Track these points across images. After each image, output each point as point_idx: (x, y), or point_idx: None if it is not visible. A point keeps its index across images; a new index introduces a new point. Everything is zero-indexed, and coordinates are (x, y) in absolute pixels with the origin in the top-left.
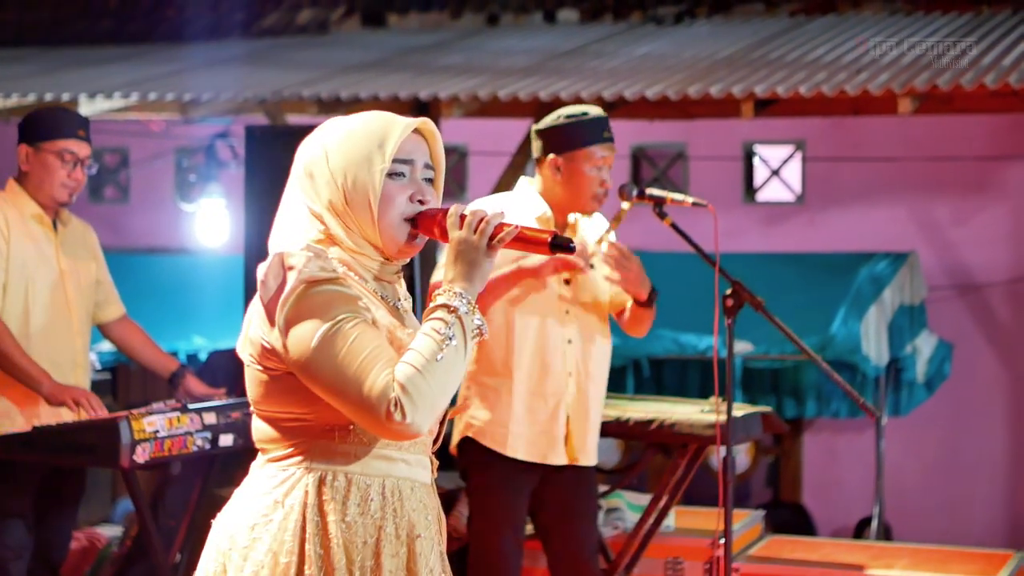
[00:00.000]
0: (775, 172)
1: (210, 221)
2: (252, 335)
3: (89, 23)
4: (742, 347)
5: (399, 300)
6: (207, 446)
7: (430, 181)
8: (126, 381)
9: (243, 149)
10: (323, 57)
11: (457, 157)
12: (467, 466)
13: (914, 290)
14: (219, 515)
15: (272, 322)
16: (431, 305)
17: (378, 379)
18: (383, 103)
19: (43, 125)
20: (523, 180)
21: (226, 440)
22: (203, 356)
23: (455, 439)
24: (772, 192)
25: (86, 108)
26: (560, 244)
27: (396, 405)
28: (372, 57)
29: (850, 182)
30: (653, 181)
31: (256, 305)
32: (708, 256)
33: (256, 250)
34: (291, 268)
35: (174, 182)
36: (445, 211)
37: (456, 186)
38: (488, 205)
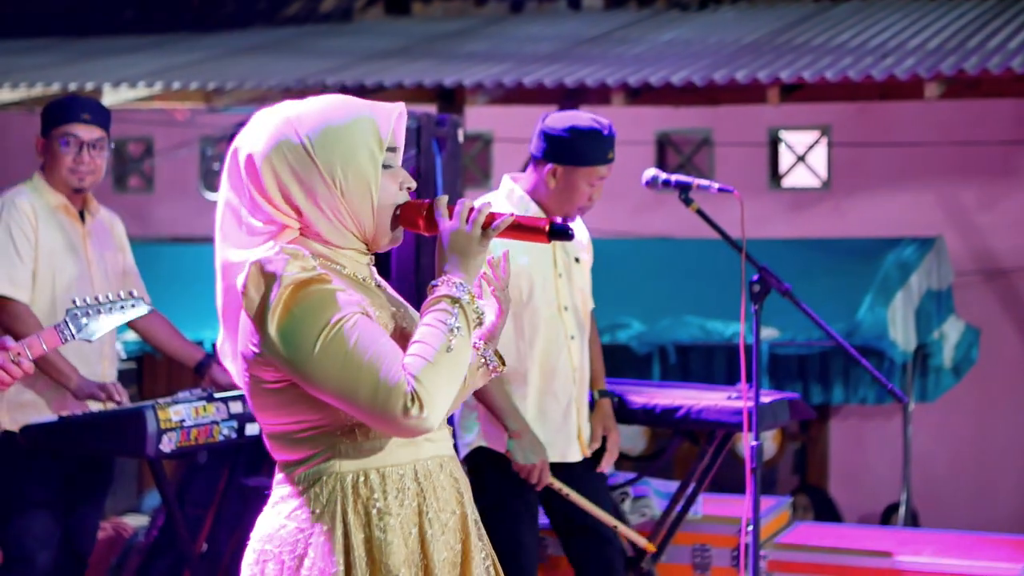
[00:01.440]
0: (801, 158)
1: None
2: (244, 351)
3: (112, 12)
4: (769, 333)
5: (374, 279)
6: (233, 435)
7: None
8: (152, 371)
9: None
10: (347, 45)
11: (482, 144)
12: (482, 473)
13: (941, 275)
14: (252, 537)
15: (262, 334)
16: (431, 297)
17: (391, 376)
18: (408, 91)
19: (51, 112)
20: (507, 179)
21: (252, 429)
22: None
23: (463, 451)
24: (798, 178)
25: (110, 97)
26: (559, 230)
27: (414, 400)
28: (396, 45)
29: (876, 167)
30: (678, 167)
31: (243, 319)
32: (734, 242)
33: None
34: (271, 275)
35: (199, 171)
36: (428, 203)
37: (481, 173)
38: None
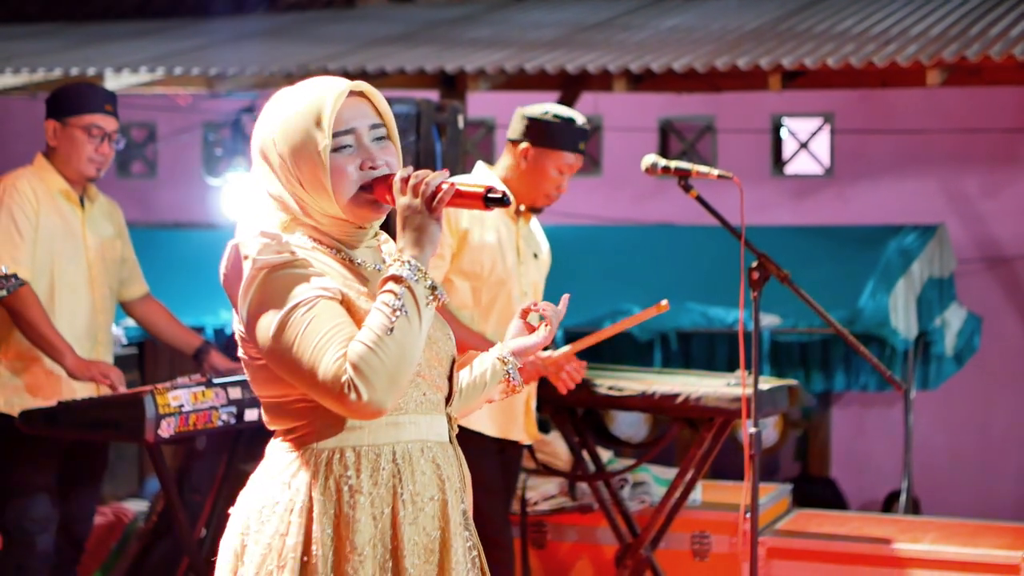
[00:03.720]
0: (804, 145)
1: (237, 195)
2: (235, 327)
3: None
4: (770, 320)
5: (380, 264)
6: (232, 421)
7: (382, 139)
8: (153, 356)
9: None
10: (349, 31)
11: (484, 131)
12: None
13: (943, 263)
14: (238, 498)
15: (239, 314)
16: (382, 277)
17: (331, 362)
18: (409, 76)
19: (70, 100)
20: (480, 164)
21: (251, 415)
22: (230, 330)
23: None
24: (801, 165)
25: (112, 83)
26: (495, 199)
27: (350, 386)
28: (398, 30)
29: (879, 155)
30: (681, 154)
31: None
32: (734, 228)
33: None
34: (246, 258)
35: (201, 156)
36: (391, 177)
37: (485, 159)
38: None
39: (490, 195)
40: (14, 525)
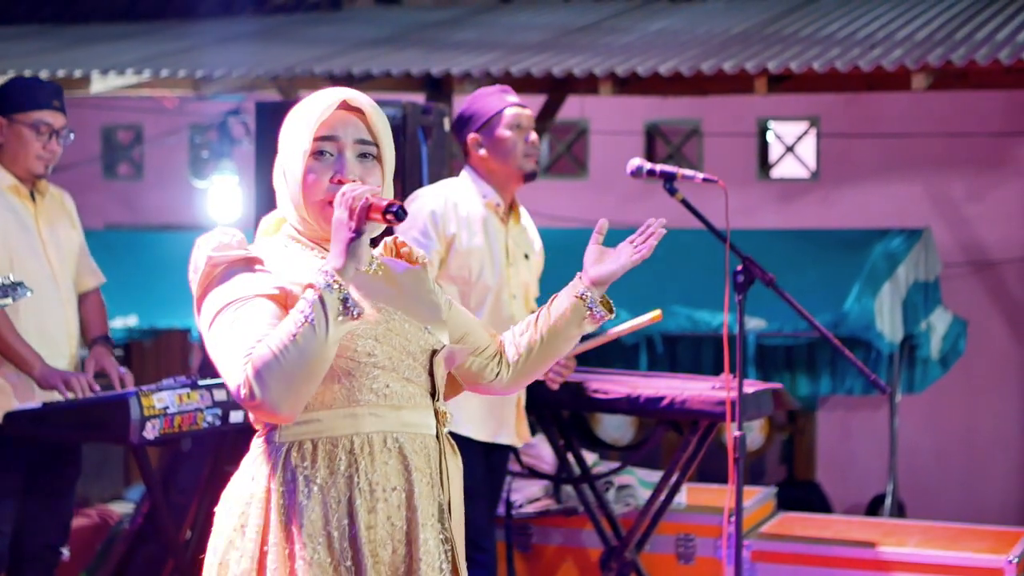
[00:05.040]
0: (790, 148)
1: (223, 197)
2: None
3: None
4: (756, 324)
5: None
6: (217, 423)
7: (367, 156)
8: (140, 358)
9: (255, 125)
10: (336, 33)
11: None
12: None
13: (929, 267)
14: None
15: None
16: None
17: (239, 360)
18: (395, 79)
19: (16, 96)
20: (465, 168)
21: (236, 416)
22: None
23: None
24: (787, 168)
25: (99, 84)
26: (393, 211)
27: (247, 386)
28: (385, 33)
29: (865, 158)
30: (667, 158)
31: None
32: (719, 232)
33: None
34: (202, 254)
35: (188, 159)
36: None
37: None
38: (430, 193)
39: (388, 210)
40: None
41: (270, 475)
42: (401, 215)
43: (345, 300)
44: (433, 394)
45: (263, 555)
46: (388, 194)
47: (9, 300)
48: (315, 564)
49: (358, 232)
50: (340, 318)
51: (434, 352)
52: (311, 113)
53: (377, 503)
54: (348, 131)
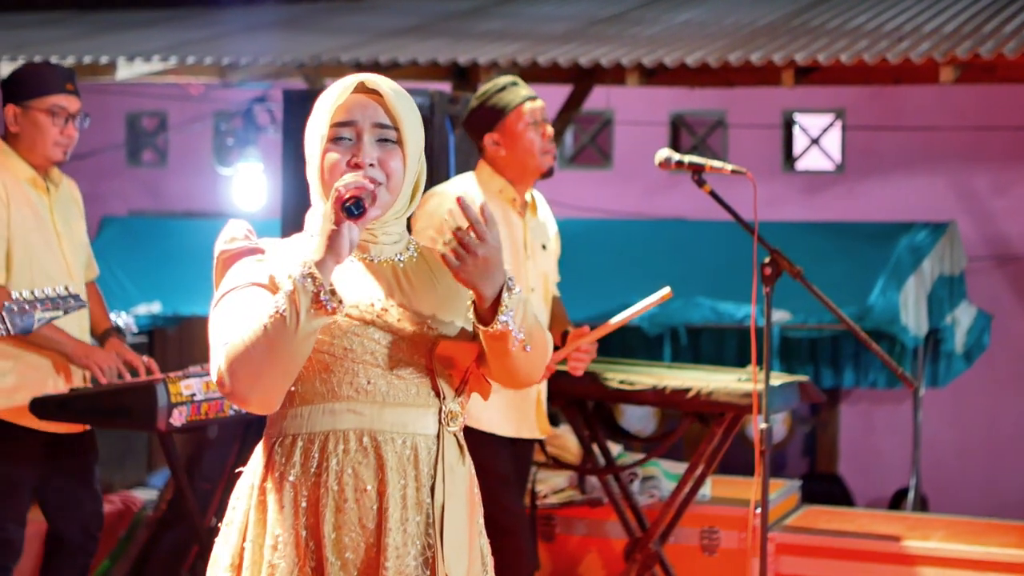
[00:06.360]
0: (815, 141)
1: (248, 185)
2: None
3: None
4: (780, 316)
5: (369, 254)
6: (243, 410)
7: (388, 142)
8: (163, 345)
9: (281, 113)
10: (362, 22)
11: None
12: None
13: (953, 260)
14: None
15: None
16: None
17: (219, 348)
18: (422, 68)
19: (30, 82)
20: (481, 162)
21: None
22: None
23: None
24: (812, 161)
25: (125, 71)
26: (345, 207)
27: (219, 373)
28: (410, 22)
29: (890, 151)
30: (692, 149)
31: None
32: (747, 224)
33: (293, 214)
34: (215, 247)
35: (212, 146)
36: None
37: None
38: (447, 190)
39: (344, 204)
40: None
41: (256, 470)
42: (353, 211)
43: (318, 293)
44: (439, 392)
45: (242, 551)
46: (411, 178)
47: (60, 313)
48: (282, 564)
49: (337, 224)
50: (312, 311)
51: (432, 347)
52: (329, 98)
53: (346, 503)
54: (366, 115)
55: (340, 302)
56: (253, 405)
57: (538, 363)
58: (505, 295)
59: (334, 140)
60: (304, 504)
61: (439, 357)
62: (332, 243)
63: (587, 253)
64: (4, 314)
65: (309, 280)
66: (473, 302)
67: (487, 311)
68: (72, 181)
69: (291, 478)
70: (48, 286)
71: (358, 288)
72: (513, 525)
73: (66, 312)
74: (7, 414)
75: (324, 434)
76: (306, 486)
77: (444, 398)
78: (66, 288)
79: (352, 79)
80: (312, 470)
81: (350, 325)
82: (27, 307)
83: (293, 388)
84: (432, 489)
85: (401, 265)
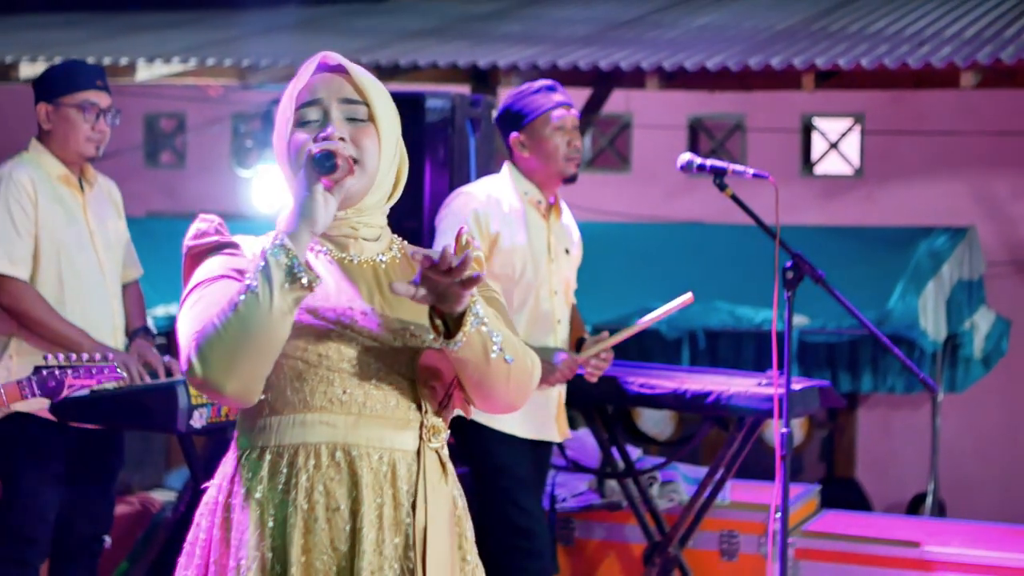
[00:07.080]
0: (834, 145)
1: (266, 187)
2: None
3: None
4: (798, 321)
5: (348, 254)
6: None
7: (358, 120)
8: None
9: None
10: (382, 24)
11: None
12: (470, 447)
13: (972, 265)
14: None
15: None
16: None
17: (188, 336)
18: (441, 71)
19: (60, 79)
20: (507, 164)
21: None
22: None
23: None
24: (830, 165)
25: (144, 73)
26: (317, 160)
27: (189, 359)
28: (430, 24)
29: (909, 156)
30: (710, 153)
31: None
32: (768, 228)
33: None
34: (184, 243)
35: (231, 148)
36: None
37: None
38: (472, 191)
39: (314, 157)
40: (17, 523)
41: (221, 485)
42: (325, 164)
43: (292, 266)
44: (420, 405)
45: (207, 571)
46: (387, 163)
47: (92, 383)
48: None
49: (310, 188)
50: (286, 286)
51: (413, 361)
52: (292, 82)
53: (316, 523)
54: (331, 89)
55: (317, 276)
56: (228, 395)
57: (521, 386)
58: (473, 306)
59: (300, 124)
60: (271, 524)
61: (422, 368)
62: (305, 210)
63: (605, 257)
64: (33, 379)
65: (282, 251)
66: (441, 320)
67: (455, 321)
68: (112, 182)
69: (257, 495)
70: (78, 283)
71: (336, 290)
72: (531, 526)
73: (99, 383)
74: (37, 411)
75: (294, 447)
76: (273, 504)
77: (426, 412)
78: (105, 356)
79: (314, 57)
80: (280, 486)
81: (326, 330)
82: (57, 373)
83: (264, 396)
84: (413, 507)
85: (383, 266)
